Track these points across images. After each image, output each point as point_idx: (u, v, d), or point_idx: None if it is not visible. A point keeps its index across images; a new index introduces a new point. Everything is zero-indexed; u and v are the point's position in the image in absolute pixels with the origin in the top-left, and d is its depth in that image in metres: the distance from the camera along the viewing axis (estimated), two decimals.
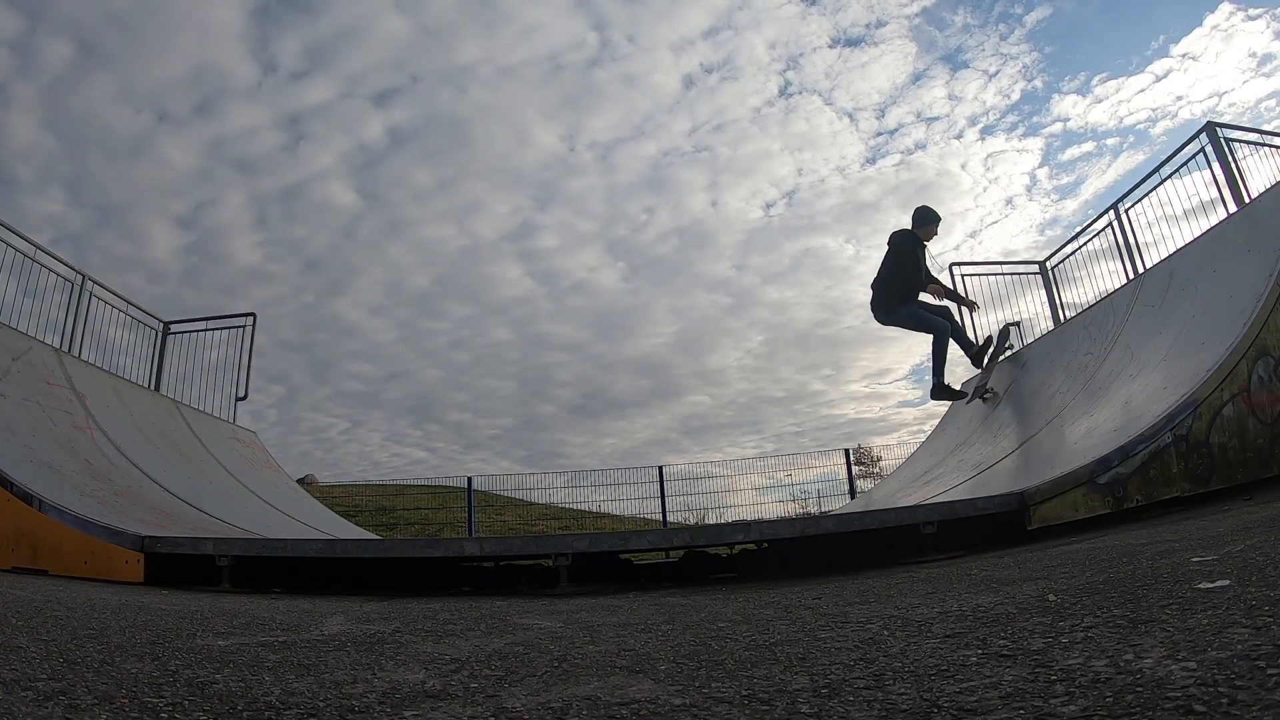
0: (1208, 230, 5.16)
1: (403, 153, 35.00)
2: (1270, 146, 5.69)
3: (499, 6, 32.03)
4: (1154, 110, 31.51)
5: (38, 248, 5.84)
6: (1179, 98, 30.76)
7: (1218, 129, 5.53)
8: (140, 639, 1.74)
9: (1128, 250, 6.51)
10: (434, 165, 35.15)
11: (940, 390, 5.99)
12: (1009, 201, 34.72)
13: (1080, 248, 7.44)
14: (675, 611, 2.21)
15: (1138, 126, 32.09)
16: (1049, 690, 0.94)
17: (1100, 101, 32.42)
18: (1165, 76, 30.85)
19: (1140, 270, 6.15)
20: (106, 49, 28.20)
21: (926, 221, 6.25)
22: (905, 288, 6.05)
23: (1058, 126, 33.33)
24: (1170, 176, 6.07)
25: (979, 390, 6.39)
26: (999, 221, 34.15)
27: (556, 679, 1.31)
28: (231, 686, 1.26)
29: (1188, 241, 5.35)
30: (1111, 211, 6.77)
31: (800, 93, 33.89)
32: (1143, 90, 31.35)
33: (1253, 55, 28.69)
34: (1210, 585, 1.44)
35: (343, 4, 30.36)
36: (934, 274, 6.35)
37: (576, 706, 1.10)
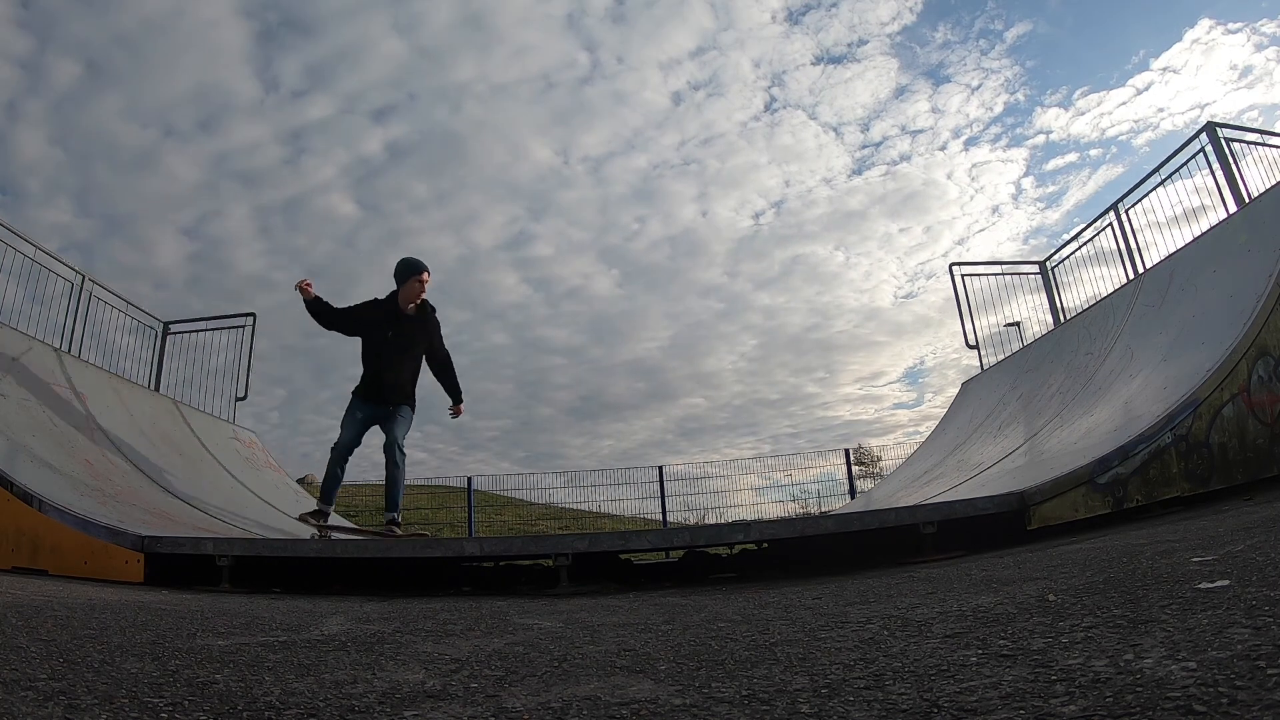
0: (1208, 230, 5.16)
1: (401, 166, 35.69)
2: (1270, 146, 5.70)
3: (492, 29, 32.81)
4: (1136, 122, 32.03)
5: (37, 248, 5.84)
6: (1160, 110, 31.27)
7: (1217, 129, 5.54)
8: (140, 639, 1.74)
9: (1128, 250, 6.51)
10: (432, 178, 35.87)
11: (314, 515, 4.46)
12: (995, 210, 35.26)
13: (1080, 247, 7.44)
14: (675, 611, 2.21)
15: (1120, 138, 32.63)
16: (1049, 690, 0.94)
17: (1082, 114, 32.95)
18: (1146, 89, 31.39)
19: (1140, 270, 6.15)
20: (114, 68, 28.83)
21: (399, 278, 4.47)
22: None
23: (1041, 138, 33.76)
24: (1170, 177, 6.07)
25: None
26: (986, 229, 34.49)
27: (556, 679, 1.30)
28: (231, 686, 1.26)
29: (1188, 241, 5.36)
30: (1112, 212, 6.77)
31: (785, 108, 34.86)
32: (1124, 103, 31.88)
33: (1234, 68, 29.10)
34: (1210, 585, 1.44)
35: (343, 26, 31.02)
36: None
37: (576, 706, 1.10)
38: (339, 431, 4.44)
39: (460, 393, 4.75)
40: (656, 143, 36.82)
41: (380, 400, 4.45)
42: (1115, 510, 3.35)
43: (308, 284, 4.43)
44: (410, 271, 4.43)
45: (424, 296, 4.49)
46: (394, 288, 4.49)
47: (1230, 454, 3.59)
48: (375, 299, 4.50)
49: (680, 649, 1.54)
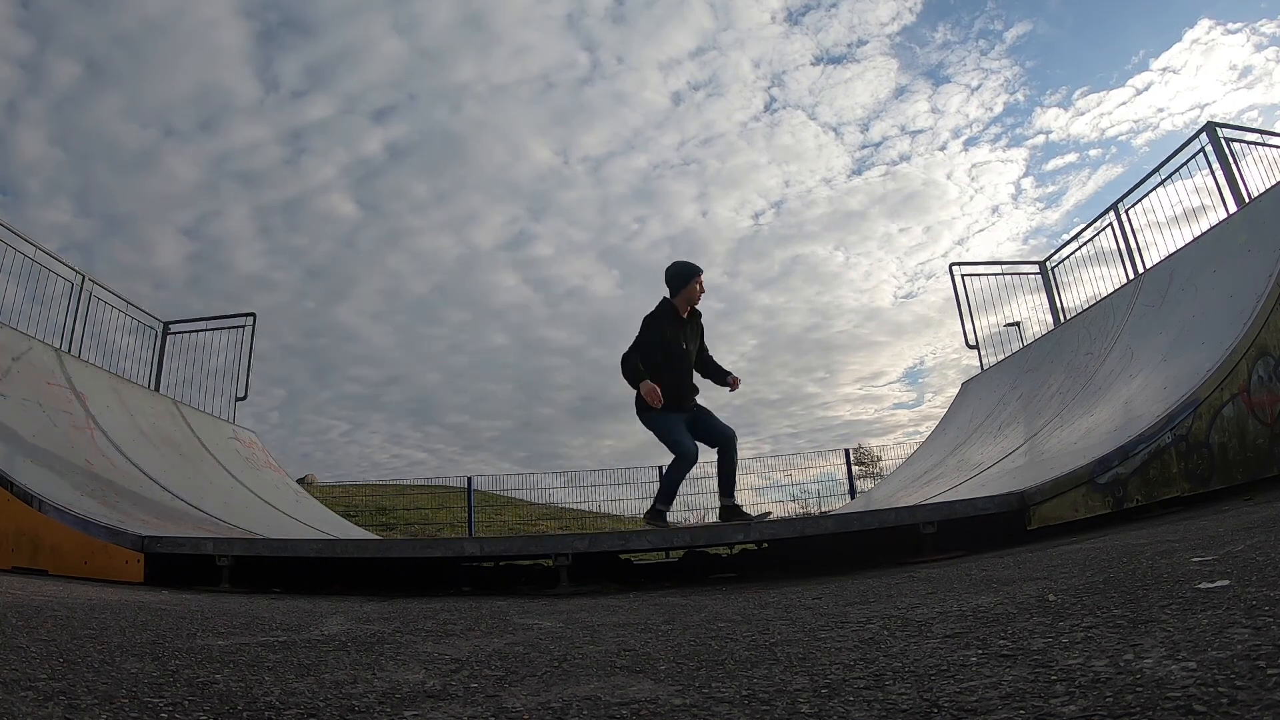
0: (1208, 230, 5.16)
1: (401, 166, 35.90)
2: (1270, 146, 5.70)
3: (492, 29, 33.05)
4: (1135, 122, 32.20)
5: (37, 248, 5.84)
6: (1160, 110, 31.43)
7: (1218, 129, 5.54)
8: (140, 639, 1.74)
9: (1128, 250, 6.51)
10: (432, 178, 36.10)
11: (655, 516, 4.32)
12: (995, 210, 35.45)
13: (1080, 247, 7.45)
14: (675, 611, 2.21)
15: (1119, 138, 32.79)
16: (1049, 690, 0.94)
17: (1082, 114, 33.12)
18: (1146, 90, 31.53)
19: (1140, 270, 6.15)
20: (114, 68, 29.04)
21: (678, 281, 4.39)
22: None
23: (1040, 139, 33.94)
24: (1170, 177, 6.07)
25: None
26: (986, 229, 34.66)
27: (557, 679, 1.30)
28: (231, 686, 1.26)
29: (1188, 241, 5.36)
30: (1112, 212, 6.77)
31: (785, 108, 35.16)
32: (1124, 103, 32.04)
33: (1234, 68, 29.20)
34: (1210, 585, 1.44)
35: (343, 26, 31.26)
36: (698, 356, 4.48)
37: (577, 706, 1.10)
38: (676, 444, 4.25)
39: (725, 371, 4.60)
40: (656, 143, 37.03)
41: (682, 408, 4.38)
42: (1115, 510, 3.34)
43: (655, 392, 4.22)
44: (691, 274, 4.38)
45: (701, 288, 4.43)
46: (654, 299, 4.41)
47: (1230, 454, 3.59)
48: (651, 317, 4.37)
49: (680, 649, 1.54)
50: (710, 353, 4.59)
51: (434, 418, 32.36)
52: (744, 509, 4.34)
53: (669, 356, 4.31)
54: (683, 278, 4.37)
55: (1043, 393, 5.87)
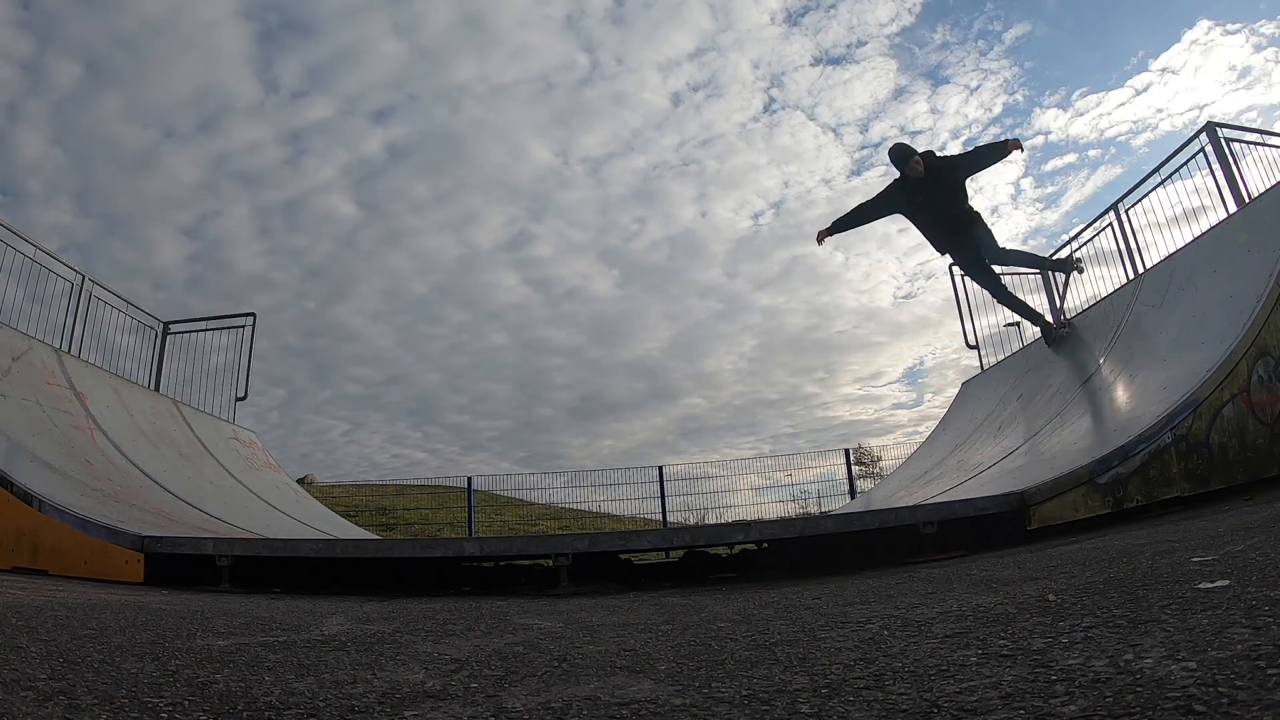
0: (1208, 230, 5.16)
1: (401, 167, 36.01)
2: (1270, 146, 5.70)
3: (491, 30, 33.16)
4: (1135, 123, 32.31)
5: (37, 248, 5.84)
6: (1159, 110, 31.54)
7: (1218, 129, 5.53)
8: (140, 639, 1.74)
9: (1128, 250, 6.50)
10: (432, 178, 36.21)
11: (1046, 332, 5.87)
12: (994, 210, 35.59)
13: (1080, 247, 7.44)
14: (675, 611, 2.21)
15: (1119, 139, 32.89)
16: (1049, 690, 0.94)
17: (1081, 115, 33.19)
18: (1145, 90, 31.61)
19: (1140, 270, 6.14)
20: (115, 69, 29.11)
21: (897, 163, 5.43)
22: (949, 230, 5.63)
23: (1039, 139, 34.04)
24: (1170, 177, 6.07)
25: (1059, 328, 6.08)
26: None
27: (556, 679, 1.30)
28: (231, 686, 1.26)
29: (1188, 241, 5.35)
30: (1112, 212, 6.77)
31: (784, 109, 35.37)
32: (1123, 104, 32.15)
33: (1233, 69, 29.27)
34: (1210, 585, 1.44)
35: (342, 27, 31.32)
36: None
37: (576, 706, 1.10)
38: (991, 288, 5.83)
39: (1000, 149, 5.47)
40: (656, 144, 37.14)
41: (956, 246, 5.58)
42: (1115, 510, 3.34)
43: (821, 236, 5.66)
44: (904, 159, 5.33)
45: (919, 159, 5.31)
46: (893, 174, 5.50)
47: (1230, 454, 3.59)
48: (894, 183, 5.43)
49: (680, 649, 1.54)
50: (973, 151, 5.51)
51: (434, 418, 32.48)
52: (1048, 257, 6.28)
53: (915, 219, 5.52)
54: (900, 161, 5.36)
55: (1043, 393, 5.86)
